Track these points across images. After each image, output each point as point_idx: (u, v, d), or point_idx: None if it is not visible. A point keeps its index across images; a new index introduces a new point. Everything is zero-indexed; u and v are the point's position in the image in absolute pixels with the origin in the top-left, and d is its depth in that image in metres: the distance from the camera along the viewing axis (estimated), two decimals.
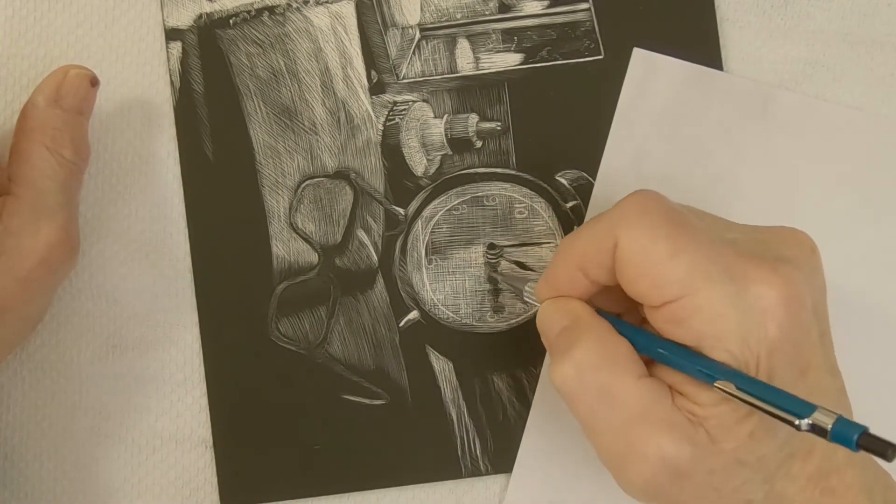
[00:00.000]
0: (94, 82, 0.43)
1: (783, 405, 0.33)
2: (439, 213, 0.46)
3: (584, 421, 0.38)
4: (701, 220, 0.38)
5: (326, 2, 0.46)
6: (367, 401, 0.46)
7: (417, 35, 0.47)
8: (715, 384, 0.35)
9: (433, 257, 0.46)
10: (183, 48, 0.46)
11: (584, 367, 0.37)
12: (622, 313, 0.40)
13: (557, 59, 0.47)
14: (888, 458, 0.31)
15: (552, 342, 0.39)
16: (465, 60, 0.47)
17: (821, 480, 0.37)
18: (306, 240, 0.46)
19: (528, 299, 0.42)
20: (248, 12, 0.46)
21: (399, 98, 0.47)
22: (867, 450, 0.32)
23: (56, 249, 0.41)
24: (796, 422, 0.33)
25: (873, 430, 0.32)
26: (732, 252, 0.36)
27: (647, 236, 0.36)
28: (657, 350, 0.37)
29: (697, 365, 0.36)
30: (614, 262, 0.37)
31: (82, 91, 0.42)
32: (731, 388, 0.34)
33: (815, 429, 0.33)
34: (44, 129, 0.41)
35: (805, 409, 0.33)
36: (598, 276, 0.38)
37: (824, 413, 0.32)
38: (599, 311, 0.40)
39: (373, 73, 0.47)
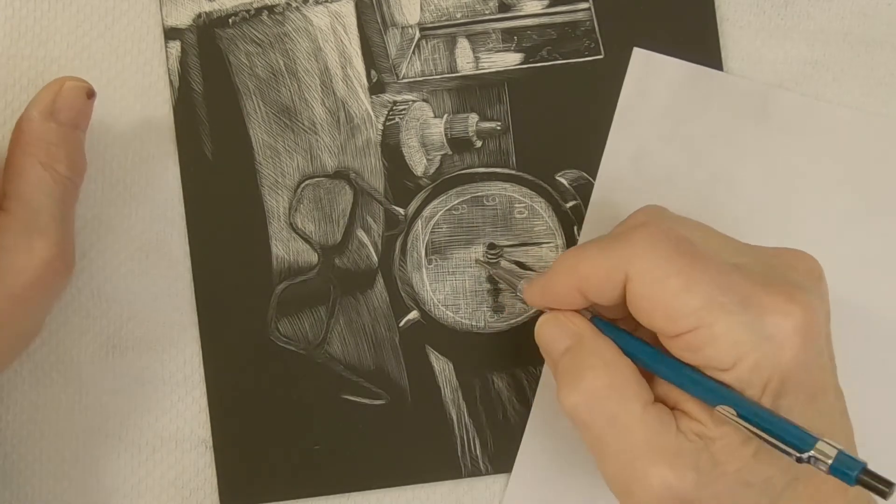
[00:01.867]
0: (91, 94, 0.41)
1: (786, 437, 0.34)
2: (439, 213, 0.46)
3: (593, 447, 0.38)
4: (709, 243, 0.38)
5: (326, 1, 0.46)
6: (367, 401, 0.46)
7: (417, 35, 0.47)
8: (716, 408, 0.35)
9: (433, 257, 0.46)
10: (182, 48, 0.46)
11: (593, 398, 0.37)
12: (619, 319, 0.40)
13: (557, 59, 0.47)
14: (885, 496, 0.32)
15: (556, 363, 0.40)
16: (465, 60, 0.47)
17: (825, 501, 0.37)
18: (306, 240, 0.46)
19: (518, 295, 0.43)
20: (248, 11, 0.46)
21: (399, 98, 0.47)
22: (865, 486, 0.32)
23: (50, 266, 0.40)
24: (798, 455, 0.33)
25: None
26: (745, 280, 0.36)
27: (659, 270, 0.36)
28: (663, 370, 0.38)
29: (702, 387, 0.36)
30: (627, 295, 0.37)
31: (78, 104, 0.41)
32: (732, 414, 0.35)
33: (816, 462, 0.33)
34: (38, 143, 0.40)
35: (807, 441, 0.33)
36: (599, 300, 0.39)
37: (825, 446, 0.33)
38: (597, 321, 0.40)
39: (372, 72, 0.47)
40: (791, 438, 0.34)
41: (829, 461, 0.33)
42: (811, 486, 0.37)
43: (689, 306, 0.35)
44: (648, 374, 0.38)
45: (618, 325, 0.40)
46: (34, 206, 0.40)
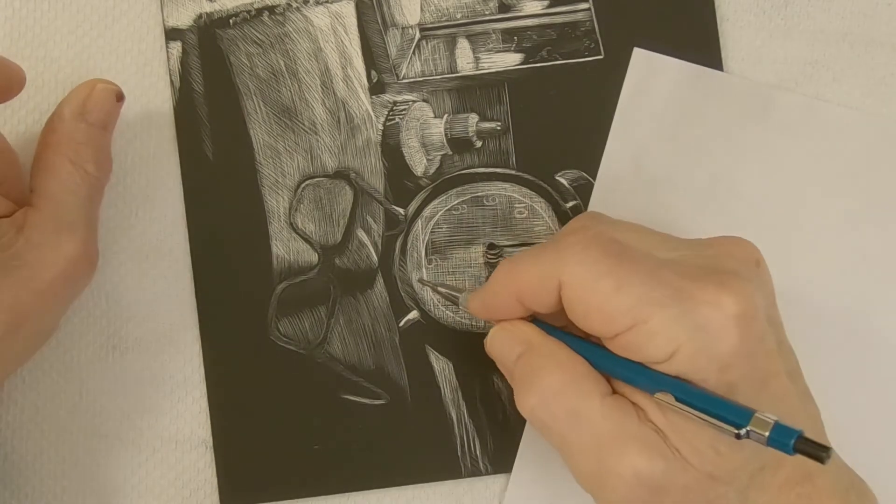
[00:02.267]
0: (120, 97, 0.43)
1: (723, 414, 0.34)
2: (439, 213, 0.46)
3: (558, 446, 0.38)
4: (642, 242, 0.38)
5: (326, 1, 0.46)
6: (367, 401, 0.46)
7: (417, 35, 0.47)
8: (654, 395, 0.35)
9: (433, 257, 0.46)
10: (183, 48, 0.46)
11: (549, 395, 0.38)
12: (565, 326, 0.40)
13: (557, 59, 0.47)
14: (823, 461, 0.32)
15: (510, 370, 0.40)
16: (465, 60, 0.47)
17: (794, 487, 0.37)
18: (306, 240, 0.46)
19: (462, 309, 0.43)
20: (248, 12, 0.46)
21: (399, 98, 0.47)
22: (803, 453, 0.32)
23: (76, 263, 0.40)
24: (736, 430, 0.33)
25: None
26: (677, 274, 0.36)
27: (590, 273, 0.36)
28: (608, 366, 0.38)
29: (644, 377, 0.36)
30: (562, 301, 0.38)
31: (108, 106, 0.42)
32: (671, 400, 0.35)
33: (754, 435, 0.33)
34: (69, 142, 0.41)
35: (744, 416, 0.33)
36: (536, 307, 0.39)
37: (762, 419, 0.33)
38: (548, 328, 0.40)
39: (373, 72, 0.47)
40: (728, 415, 0.34)
41: (766, 433, 0.33)
42: (778, 475, 0.37)
43: (623, 305, 0.36)
44: (606, 377, 0.39)
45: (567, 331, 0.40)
46: (62, 203, 0.41)
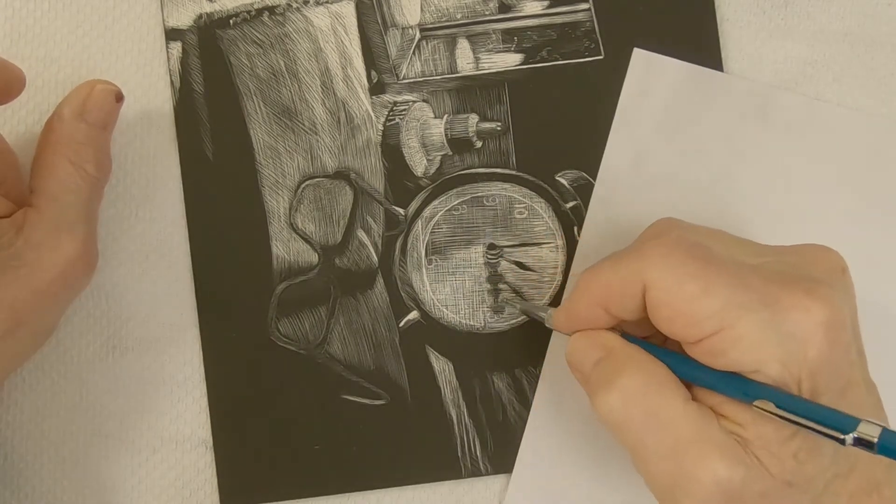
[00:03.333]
0: (119, 98, 0.43)
1: (827, 421, 0.33)
2: (439, 214, 0.46)
3: (632, 450, 0.38)
4: (725, 247, 0.38)
5: (326, 2, 0.46)
6: (367, 401, 0.46)
7: (417, 35, 0.47)
8: (754, 404, 0.35)
9: (433, 257, 0.46)
10: (183, 48, 0.46)
11: (630, 395, 0.37)
12: (649, 336, 0.40)
13: (557, 59, 0.47)
14: None
15: (588, 375, 0.39)
16: (465, 60, 0.47)
17: (862, 497, 0.37)
18: (306, 240, 0.46)
19: (549, 326, 0.42)
20: (248, 12, 0.46)
21: (399, 98, 0.47)
22: None
23: (75, 264, 0.40)
24: (841, 437, 0.33)
25: None
26: (763, 279, 0.36)
27: (675, 277, 0.36)
28: (695, 374, 0.37)
29: (737, 387, 0.36)
30: (646, 305, 0.37)
31: (107, 106, 0.42)
32: (771, 407, 0.34)
33: (861, 442, 0.32)
34: (68, 142, 0.41)
35: (849, 423, 0.33)
36: (622, 314, 0.39)
37: (869, 426, 0.32)
38: (629, 337, 0.40)
39: (373, 73, 0.47)
40: (833, 423, 0.33)
41: (875, 440, 0.32)
42: (850, 482, 0.37)
43: (709, 309, 0.35)
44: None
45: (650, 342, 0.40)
46: (62, 203, 0.41)
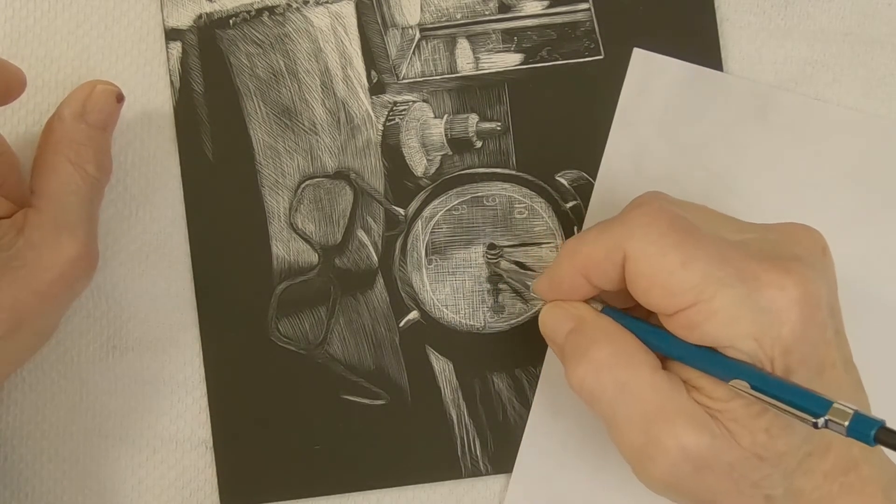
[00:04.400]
0: (120, 98, 0.43)
1: (800, 403, 0.33)
2: (439, 214, 0.46)
3: (605, 418, 0.38)
4: (708, 222, 0.38)
5: (326, 2, 0.46)
6: (367, 401, 0.46)
7: (417, 35, 0.47)
8: (730, 383, 0.35)
9: (433, 257, 0.46)
10: (183, 48, 0.46)
11: (600, 367, 0.38)
12: (629, 308, 0.40)
13: (557, 59, 0.47)
14: None
15: (561, 346, 0.40)
16: (465, 60, 0.47)
17: (838, 476, 0.37)
18: (306, 240, 0.46)
19: (532, 292, 0.43)
20: (248, 12, 0.46)
21: (399, 98, 0.47)
22: (885, 444, 0.32)
23: (76, 264, 0.40)
24: (813, 420, 0.33)
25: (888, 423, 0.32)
26: (743, 255, 0.36)
27: (656, 248, 0.36)
28: (670, 348, 0.37)
29: (713, 363, 0.36)
30: (625, 274, 0.37)
31: (108, 107, 0.42)
32: (746, 388, 0.34)
33: (833, 425, 0.33)
34: (69, 143, 0.41)
35: (822, 405, 0.33)
36: (602, 283, 0.39)
37: (841, 409, 0.32)
38: (607, 310, 0.40)
39: (373, 73, 0.47)
40: (806, 404, 0.33)
41: (846, 423, 0.32)
42: (826, 460, 0.37)
43: (687, 282, 0.35)
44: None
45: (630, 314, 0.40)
46: (63, 204, 0.41)
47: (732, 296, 0.35)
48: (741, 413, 0.36)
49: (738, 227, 0.39)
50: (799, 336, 0.35)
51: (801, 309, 0.35)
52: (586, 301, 0.40)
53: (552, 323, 0.40)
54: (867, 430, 0.32)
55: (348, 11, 0.47)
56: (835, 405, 0.33)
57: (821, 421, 0.33)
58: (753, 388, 0.34)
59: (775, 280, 0.35)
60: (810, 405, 0.33)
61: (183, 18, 0.46)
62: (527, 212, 0.46)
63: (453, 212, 0.46)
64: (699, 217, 0.38)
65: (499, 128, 0.47)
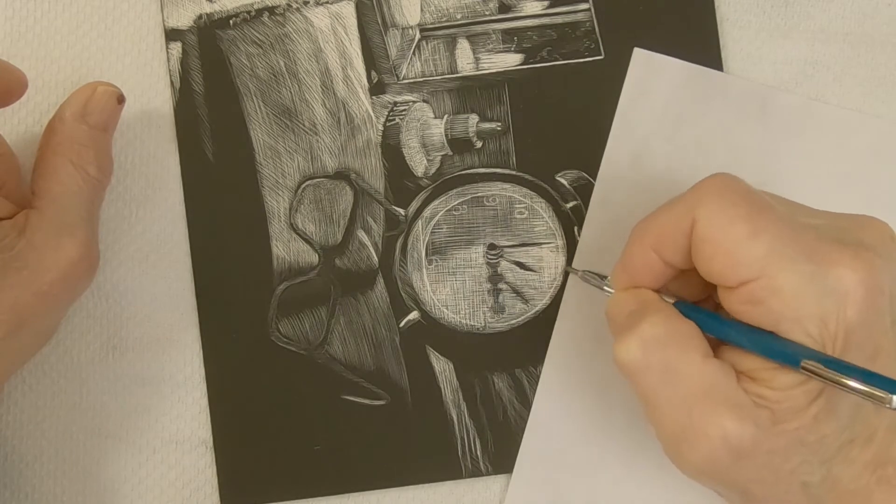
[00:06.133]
0: (121, 100, 0.43)
1: (873, 383, 0.33)
2: (439, 214, 0.46)
3: (645, 397, 0.38)
4: (781, 204, 0.38)
5: (326, 2, 0.46)
6: (367, 401, 0.46)
7: (417, 35, 0.47)
8: (802, 364, 0.34)
9: (433, 257, 0.46)
10: (183, 49, 0.46)
11: (650, 343, 0.37)
12: (698, 302, 0.40)
13: (557, 60, 0.47)
14: None
15: (619, 325, 0.39)
16: (465, 61, 0.47)
17: (877, 468, 0.37)
18: (306, 240, 0.46)
19: (608, 288, 0.42)
20: (248, 13, 0.46)
21: (399, 98, 0.47)
22: None
23: (77, 265, 0.40)
24: (888, 397, 0.32)
25: None
26: (813, 235, 0.36)
27: (726, 215, 0.36)
28: (732, 333, 0.37)
29: (776, 347, 0.35)
30: (692, 241, 0.37)
31: (109, 108, 0.42)
32: (820, 369, 0.34)
33: None
34: (70, 144, 0.41)
35: (892, 386, 0.33)
36: (673, 258, 0.38)
37: None
38: (679, 304, 0.39)
39: (373, 73, 0.47)
40: (881, 385, 0.33)
41: None
42: (865, 452, 0.37)
43: (753, 254, 0.35)
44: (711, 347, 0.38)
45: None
46: (64, 205, 0.41)
47: (799, 273, 0.35)
48: (801, 401, 0.35)
49: (809, 212, 0.39)
50: (862, 319, 0.35)
51: (866, 293, 0.35)
52: (658, 291, 0.40)
53: (617, 307, 0.40)
54: None
55: (348, 11, 0.47)
56: None
57: (895, 399, 0.32)
58: (827, 369, 0.34)
59: (844, 262, 0.35)
60: (885, 386, 0.33)
61: (183, 19, 0.46)
62: (527, 212, 0.46)
63: (453, 212, 0.46)
64: (773, 197, 0.38)
65: (499, 128, 0.47)
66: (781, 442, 0.36)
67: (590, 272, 0.43)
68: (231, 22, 0.46)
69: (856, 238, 0.37)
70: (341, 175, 0.46)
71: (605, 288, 0.42)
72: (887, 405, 0.33)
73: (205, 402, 0.45)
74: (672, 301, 0.40)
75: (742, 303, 0.36)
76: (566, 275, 0.46)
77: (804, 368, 0.34)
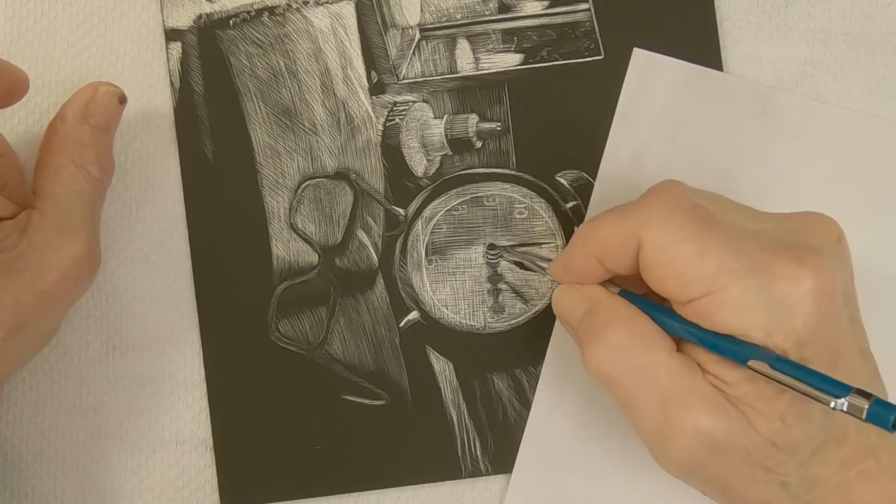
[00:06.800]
0: (122, 100, 0.43)
1: (818, 386, 0.33)
2: (439, 214, 0.46)
3: (622, 401, 0.38)
4: (726, 212, 0.38)
5: (326, 2, 0.46)
6: (367, 401, 0.46)
7: (417, 35, 0.47)
8: (748, 364, 0.35)
9: (433, 257, 0.46)
10: (183, 49, 0.46)
11: (616, 351, 0.38)
12: (645, 294, 0.40)
13: (557, 60, 0.47)
14: None
15: (576, 328, 0.40)
16: (465, 61, 0.47)
17: (855, 464, 0.37)
18: (306, 240, 0.46)
19: (547, 275, 0.43)
20: (248, 13, 0.46)
21: (399, 98, 0.47)
22: None
23: (79, 265, 0.40)
24: (832, 402, 0.33)
25: None
26: (758, 245, 0.36)
27: (672, 237, 0.36)
28: (691, 334, 0.37)
29: (731, 347, 0.36)
30: (639, 262, 0.38)
31: (111, 108, 0.42)
32: (765, 368, 0.34)
33: (851, 409, 0.33)
34: (72, 144, 0.41)
35: (841, 389, 0.33)
36: (616, 268, 0.39)
37: (860, 394, 0.32)
38: (625, 293, 0.40)
39: (373, 73, 0.47)
40: (825, 387, 0.33)
41: (865, 407, 0.32)
42: (841, 450, 0.37)
43: (702, 273, 0.36)
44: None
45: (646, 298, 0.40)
46: (66, 205, 0.41)
47: (745, 287, 0.35)
48: (753, 398, 0.36)
49: (756, 216, 0.39)
50: (813, 328, 0.35)
51: (815, 300, 0.35)
52: (601, 284, 0.40)
53: (566, 304, 0.41)
54: (887, 415, 0.32)
55: (348, 12, 0.47)
56: (854, 390, 0.33)
57: (839, 402, 0.33)
58: (773, 368, 0.34)
59: (790, 272, 0.35)
60: (830, 388, 0.33)
61: (183, 19, 0.46)
62: (527, 212, 0.46)
63: (453, 212, 0.46)
64: (717, 206, 0.38)
65: (499, 128, 0.47)
66: (756, 441, 0.36)
67: (536, 255, 0.44)
68: (231, 22, 0.46)
69: (803, 242, 0.37)
70: (341, 175, 0.46)
71: (545, 273, 0.43)
72: (830, 406, 0.33)
73: (205, 402, 0.45)
74: (617, 291, 0.40)
75: (693, 315, 0.37)
76: None
77: (751, 367, 0.35)
